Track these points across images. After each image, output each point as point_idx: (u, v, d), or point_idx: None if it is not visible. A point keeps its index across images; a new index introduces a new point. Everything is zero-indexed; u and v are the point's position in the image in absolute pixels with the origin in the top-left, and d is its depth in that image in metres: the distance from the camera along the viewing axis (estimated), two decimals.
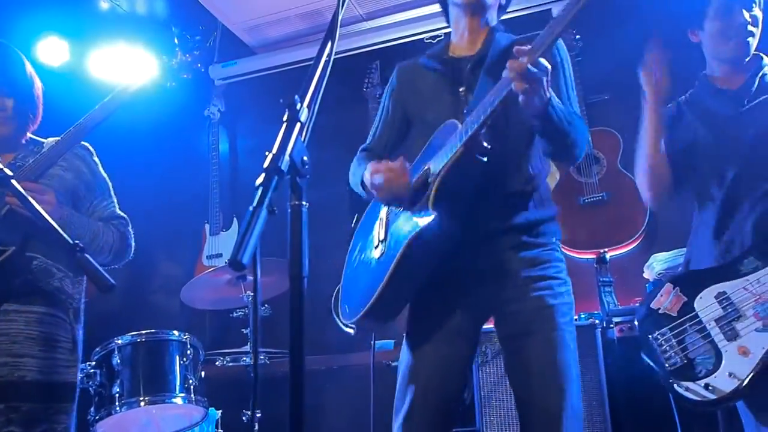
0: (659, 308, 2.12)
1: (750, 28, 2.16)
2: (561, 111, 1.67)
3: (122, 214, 2.50)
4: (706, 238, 2.21)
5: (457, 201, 1.71)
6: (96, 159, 2.51)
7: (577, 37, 4.04)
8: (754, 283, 1.98)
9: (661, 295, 2.13)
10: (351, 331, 2.06)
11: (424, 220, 1.67)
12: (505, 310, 1.81)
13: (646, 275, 3.56)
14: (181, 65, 2.54)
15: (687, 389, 1.99)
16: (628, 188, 3.75)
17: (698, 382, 1.97)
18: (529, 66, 1.50)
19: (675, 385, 2.02)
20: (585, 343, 3.16)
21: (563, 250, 3.78)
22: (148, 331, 2.84)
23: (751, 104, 2.19)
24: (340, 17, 1.20)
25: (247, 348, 3.57)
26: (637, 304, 3.26)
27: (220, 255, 4.62)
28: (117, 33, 4.51)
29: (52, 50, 4.21)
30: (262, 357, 3.46)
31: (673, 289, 2.12)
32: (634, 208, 3.71)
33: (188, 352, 2.88)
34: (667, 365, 2.05)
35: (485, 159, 1.69)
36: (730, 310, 1.99)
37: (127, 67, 4.57)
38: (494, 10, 2.02)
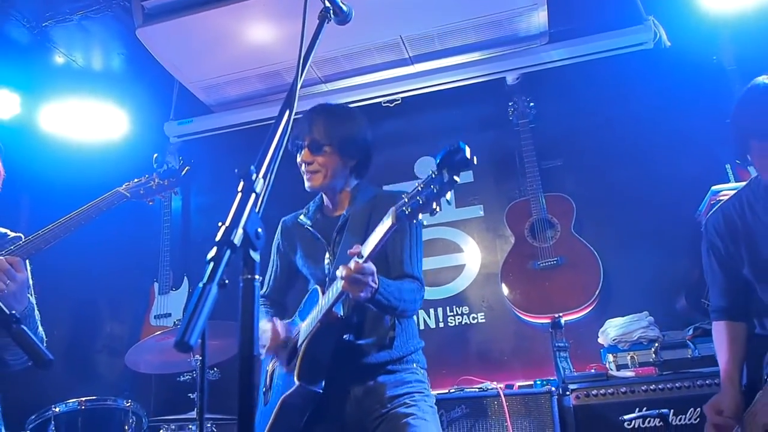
0: None
1: None
2: (389, 293, 1.96)
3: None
4: None
5: (318, 364, 2.02)
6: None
7: (531, 104, 4.13)
8: None
9: None
10: None
11: (289, 389, 2.01)
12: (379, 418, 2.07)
13: (600, 341, 3.56)
14: (159, 187, 2.57)
15: None
16: (581, 253, 3.79)
17: None
18: (354, 274, 1.79)
19: None
20: (541, 411, 3.12)
21: (518, 313, 3.83)
22: (89, 398, 2.70)
23: None
24: (299, 85, 1.18)
25: (194, 414, 3.42)
26: (592, 370, 3.28)
27: (169, 315, 4.47)
28: (71, 88, 4.47)
29: (2, 103, 4.13)
30: (209, 425, 3.31)
31: None
32: (588, 273, 3.74)
33: (131, 420, 2.74)
34: None
35: (343, 323, 2.04)
36: None
37: (80, 122, 4.52)
38: (344, 179, 2.26)
